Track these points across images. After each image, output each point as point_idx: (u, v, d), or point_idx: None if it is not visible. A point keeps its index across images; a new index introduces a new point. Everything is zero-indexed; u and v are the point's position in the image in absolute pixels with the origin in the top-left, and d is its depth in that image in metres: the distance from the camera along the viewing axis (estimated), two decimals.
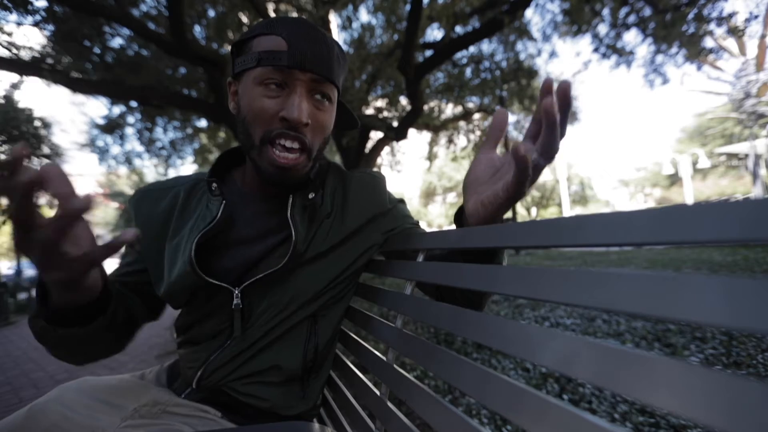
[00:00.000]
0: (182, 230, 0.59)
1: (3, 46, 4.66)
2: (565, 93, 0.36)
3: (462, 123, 8.71)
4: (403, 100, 6.32)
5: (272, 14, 5.31)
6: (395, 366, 0.56)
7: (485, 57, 6.45)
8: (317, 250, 0.60)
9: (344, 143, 6.23)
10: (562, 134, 0.39)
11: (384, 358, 0.58)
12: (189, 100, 5.53)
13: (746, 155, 13.76)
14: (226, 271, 0.57)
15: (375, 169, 0.76)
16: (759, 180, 12.35)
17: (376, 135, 6.89)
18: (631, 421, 1.24)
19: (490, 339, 0.37)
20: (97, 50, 5.01)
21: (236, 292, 0.56)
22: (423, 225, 0.73)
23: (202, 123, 7.12)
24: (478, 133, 8.84)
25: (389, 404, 0.54)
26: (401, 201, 0.72)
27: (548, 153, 0.39)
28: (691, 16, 4.93)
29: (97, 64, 5.06)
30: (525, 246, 0.37)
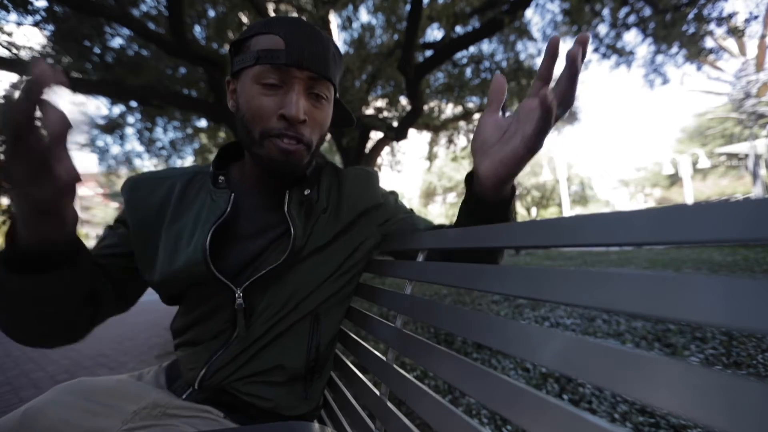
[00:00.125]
0: (181, 220, 0.59)
1: (3, 46, 4.66)
2: (584, 44, 0.38)
3: (462, 123, 8.70)
4: (403, 100, 6.32)
5: (272, 14, 5.31)
6: (395, 366, 0.56)
7: (485, 57, 6.44)
8: (315, 245, 0.61)
9: (344, 143, 6.23)
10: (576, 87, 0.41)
11: (384, 358, 0.58)
12: (189, 100, 5.52)
13: (746, 155, 13.77)
14: (228, 267, 0.57)
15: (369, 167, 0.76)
16: (759, 180, 12.36)
17: (376, 135, 6.89)
18: (631, 421, 1.24)
19: (490, 339, 0.37)
20: (97, 50, 5.01)
21: (238, 292, 0.56)
22: None
23: (202, 123, 7.11)
24: None
25: (389, 404, 0.54)
26: (392, 193, 0.73)
27: (567, 102, 0.41)
28: (691, 16, 4.93)
29: (97, 64, 5.06)
30: (525, 246, 0.37)
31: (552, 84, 0.43)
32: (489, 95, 0.48)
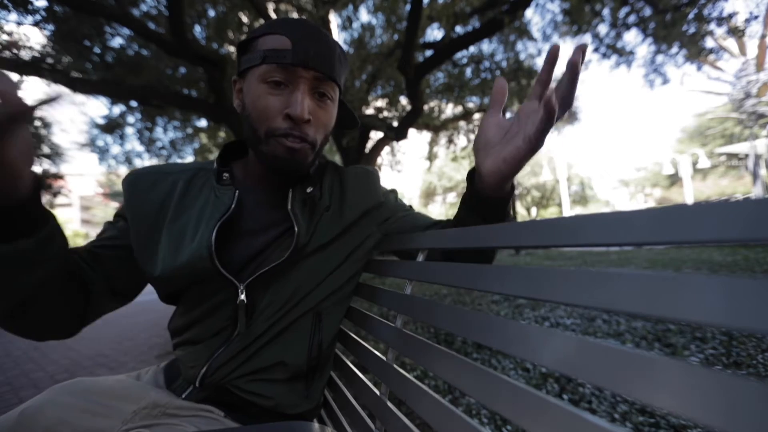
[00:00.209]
0: (184, 216, 0.59)
1: (3, 46, 4.66)
2: (584, 52, 0.40)
3: (462, 123, 8.70)
4: (403, 100, 6.32)
5: (272, 14, 5.30)
6: (395, 366, 0.56)
7: (485, 57, 6.45)
8: (318, 243, 0.61)
9: (344, 143, 6.23)
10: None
11: (384, 358, 0.58)
12: (189, 100, 5.53)
13: (746, 155, 13.77)
14: (231, 263, 0.57)
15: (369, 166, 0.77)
16: (759, 180, 12.36)
17: (376, 135, 6.89)
18: (631, 421, 1.24)
19: (490, 339, 0.37)
20: (97, 50, 5.01)
21: (241, 287, 0.56)
22: None
23: (202, 123, 7.12)
24: None
25: (389, 404, 0.54)
26: (392, 191, 0.75)
27: (567, 104, 0.44)
28: (691, 16, 4.93)
29: (97, 64, 5.06)
30: (525, 246, 0.37)
31: (552, 86, 0.45)
32: (491, 97, 0.50)
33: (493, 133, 0.50)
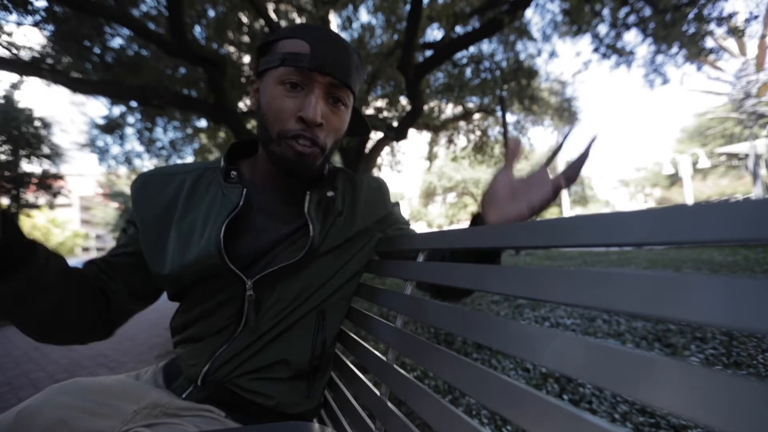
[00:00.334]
0: (192, 213, 0.59)
1: (3, 46, 4.66)
2: (592, 144, 0.49)
3: (462, 123, 8.71)
4: (403, 100, 6.32)
5: (272, 14, 5.31)
6: (395, 366, 0.56)
7: (485, 57, 6.45)
8: (328, 246, 0.63)
9: (344, 143, 6.22)
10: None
11: (384, 358, 0.58)
12: (189, 100, 5.53)
13: (746, 155, 13.76)
14: (239, 259, 0.58)
15: (376, 174, 0.79)
16: (759, 180, 12.35)
17: (376, 135, 6.89)
18: (631, 421, 1.24)
19: (490, 339, 0.37)
20: (97, 50, 5.01)
21: (249, 283, 0.56)
22: (423, 225, 0.76)
23: (202, 123, 7.12)
24: (478, 133, 8.84)
25: (389, 404, 0.54)
26: (397, 203, 0.79)
27: (573, 180, 0.51)
28: (691, 16, 4.93)
29: (97, 64, 5.06)
30: (525, 246, 0.37)
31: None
32: (506, 155, 0.57)
33: (501, 188, 0.55)
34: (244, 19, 5.22)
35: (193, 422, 0.53)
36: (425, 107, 6.58)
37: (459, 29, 5.27)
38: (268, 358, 0.58)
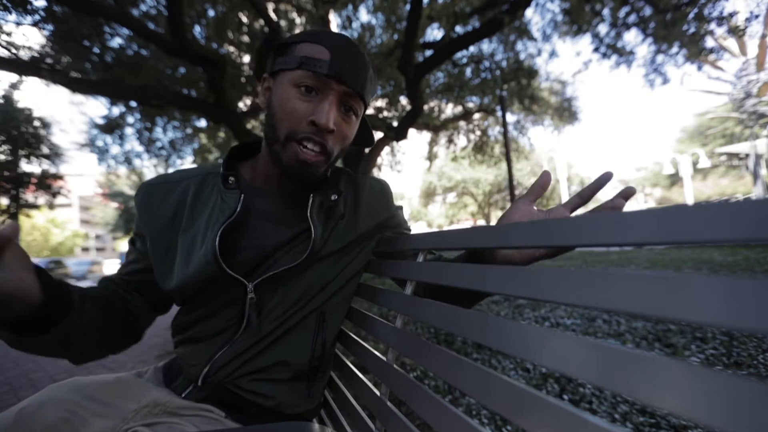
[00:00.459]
0: (196, 222, 0.60)
1: (2, 46, 4.66)
2: (628, 197, 0.51)
3: (462, 123, 8.71)
4: (403, 100, 6.32)
5: (272, 14, 5.30)
6: (395, 366, 0.56)
7: (485, 57, 6.45)
8: (330, 249, 0.63)
9: None
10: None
11: (384, 358, 0.58)
12: (189, 100, 5.52)
13: (747, 155, 13.76)
14: (239, 263, 0.58)
15: (376, 174, 0.79)
16: (759, 180, 12.36)
17: (376, 135, 6.87)
18: (631, 422, 1.24)
19: (490, 339, 0.37)
20: (96, 50, 5.01)
21: (250, 286, 0.57)
22: (423, 225, 0.76)
23: (202, 123, 7.11)
24: (478, 132, 8.85)
25: (389, 404, 0.54)
26: (400, 207, 0.78)
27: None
28: (691, 15, 4.93)
29: (96, 64, 5.06)
30: (525, 246, 0.37)
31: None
32: (533, 185, 0.55)
33: (518, 219, 0.53)
34: (244, 19, 5.21)
35: (193, 422, 0.53)
36: (425, 107, 6.57)
37: (459, 29, 5.27)
38: (268, 360, 0.58)
